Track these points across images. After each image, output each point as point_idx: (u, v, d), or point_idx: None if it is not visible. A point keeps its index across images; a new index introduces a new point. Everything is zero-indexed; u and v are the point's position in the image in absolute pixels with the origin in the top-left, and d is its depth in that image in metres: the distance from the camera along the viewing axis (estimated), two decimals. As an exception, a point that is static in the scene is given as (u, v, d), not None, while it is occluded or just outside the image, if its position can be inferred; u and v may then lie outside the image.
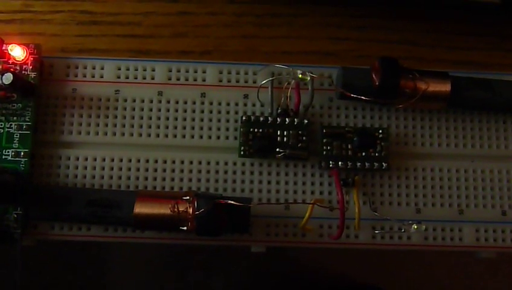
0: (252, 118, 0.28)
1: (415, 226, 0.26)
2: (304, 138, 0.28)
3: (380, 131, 0.28)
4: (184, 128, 0.29)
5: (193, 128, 0.29)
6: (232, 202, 0.25)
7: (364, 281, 0.32)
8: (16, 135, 0.27)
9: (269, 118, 0.28)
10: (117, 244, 0.31)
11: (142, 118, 0.29)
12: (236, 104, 0.29)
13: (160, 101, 0.29)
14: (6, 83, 0.26)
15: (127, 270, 0.33)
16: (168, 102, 0.29)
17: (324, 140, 0.28)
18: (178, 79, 0.29)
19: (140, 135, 0.29)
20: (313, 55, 0.32)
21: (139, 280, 0.33)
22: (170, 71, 0.29)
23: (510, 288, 0.33)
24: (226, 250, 0.34)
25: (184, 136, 0.29)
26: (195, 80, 0.29)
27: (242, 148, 0.28)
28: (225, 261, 0.34)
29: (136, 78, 0.29)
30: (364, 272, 0.32)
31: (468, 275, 0.32)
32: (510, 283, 0.33)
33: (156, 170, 0.28)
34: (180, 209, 0.25)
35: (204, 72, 0.29)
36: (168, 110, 0.29)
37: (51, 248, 0.32)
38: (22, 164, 0.27)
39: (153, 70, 0.29)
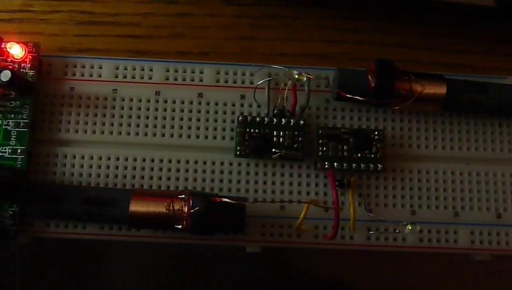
0: (249, 118, 0.28)
1: (410, 227, 0.26)
2: (300, 138, 0.28)
3: (376, 132, 0.28)
4: (181, 128, 0.29)
5: (190, 128, 0.29)
6: (227, 199, 0.25)
7: (356, 284, 0.32)
8: (13, 133, 0.28)
9: (265, 118, 0.28)
10: (114, 243, 0.31)
11: (139, 117, 0.29)
12: (233, 105, 0.29)
13: (157, 101, 0.29)
14: (4, 80, 0.26)
15: (124, 269, 0.33)
16: (166, 102, 0.29)
17: (320, 141, 0.28)
18: (176, 79, 0.29)
19: (137, 134, 0.29)
20: (309, 57, 0.32)
21: (136, 279, 0.33)
22: (168, 71, 0.29)
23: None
24: (222, 255, 0.34)
25: (181, 136, 0.29)
26: (192, 80, 0.29)
27: (238, 148, 0.28)
28: (221, 265, 0.34)
29: (133, 77, 0.29)
30: (358, 274, 0.32)
31: (462, 279, 0.32)
32: (504, 286, 0.33)
33: (152, 169, 0.28)
34: (175, 208, 0.25)
35: (201, 72, 0.29)
36: (165, 110, 0.29)
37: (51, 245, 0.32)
38: (19, 161, 0.27)
39: (151, 70, 0.29)
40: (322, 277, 0.33)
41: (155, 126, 0.29)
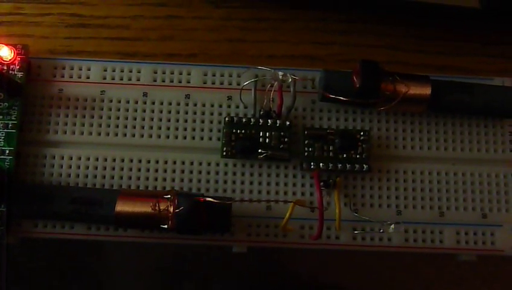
0: (235, 119, 0.28)
1: (393, 226, 0.26)
2: (286, 139, 0.28)
3: (362, 133, 0.29)
4: (168, 129, 0.29)
5: (177, 129, 0.29)
6: (211, 199, 0.25)
7: (342, 284, 0.32)
8: (2, 133, 0.28)
9: (252, 119, 0.28)
10: (105, 244, 0.32)
11: (126, 118, 0.29)
12: (220, 106, 0.29)
13: (145, 102, 0.29)
14: (-9, 82, 0.26)
15: (116, 271, 0.33)
16: (153, 103, 0.29)
17: (306, 141, 0.28)
18: (163, 81, 0.30)
19: (125, 135, 0.29)
20: (297, 59, 0.33)
21: (129, 279, 0.33)
22: (155, 73, 0.30)
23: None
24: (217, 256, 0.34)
25: (168, 137, 0.29)
26: (180, 81, 0.30)
27: (224, 148, 0.28)
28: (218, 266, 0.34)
29: (121, 79, 0.29)
30: (344, 274, 0.32)
31: (447, 279, 0.32)
32: (490, 286, 0.33)
33: (139, 170, 0.29)
34: (161, 208, 0.26)
35: (189, 74, 0.30)
36: (152, 111, 0.29)
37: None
38: (7, 162, 0.28)
39: (139, 72, 0.30)
40: (308, 277, 0.33)
41: (142, 127, 0.29)
